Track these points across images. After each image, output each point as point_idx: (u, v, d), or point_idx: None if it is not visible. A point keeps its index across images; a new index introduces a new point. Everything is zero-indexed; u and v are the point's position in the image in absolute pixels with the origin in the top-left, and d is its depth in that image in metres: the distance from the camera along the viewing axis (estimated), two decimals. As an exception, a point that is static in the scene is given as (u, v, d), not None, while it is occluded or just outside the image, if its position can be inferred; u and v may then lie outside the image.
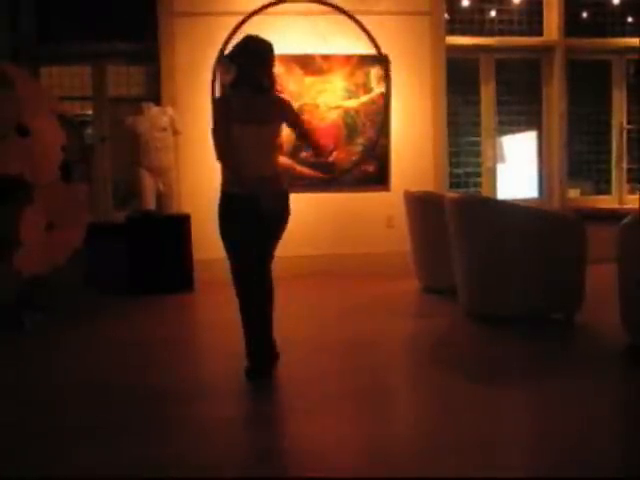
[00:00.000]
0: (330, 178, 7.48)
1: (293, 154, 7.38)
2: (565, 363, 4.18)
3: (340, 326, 5.25)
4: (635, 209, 7.34)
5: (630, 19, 8.34)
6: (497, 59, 8.20)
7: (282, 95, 4.19)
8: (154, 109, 6.87)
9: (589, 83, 8.61)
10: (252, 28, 7.06)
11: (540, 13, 8.17)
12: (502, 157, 8.50)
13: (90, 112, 7.77)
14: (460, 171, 8.25)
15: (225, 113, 3.86)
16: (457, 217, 5.26)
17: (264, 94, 3.96)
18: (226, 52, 4.08)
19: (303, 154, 7.38)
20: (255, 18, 7.17)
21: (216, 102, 4.06)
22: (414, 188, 6.81)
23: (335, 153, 7.49)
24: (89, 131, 7.84)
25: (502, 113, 8.33)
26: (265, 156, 3.92)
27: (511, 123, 8.51)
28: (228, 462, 2.86)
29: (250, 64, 3.91)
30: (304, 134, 4.26)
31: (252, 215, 3.78)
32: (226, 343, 4.77)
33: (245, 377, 3.86)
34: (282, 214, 3.94)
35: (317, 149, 4.58)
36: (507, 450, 2.98)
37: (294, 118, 4.14)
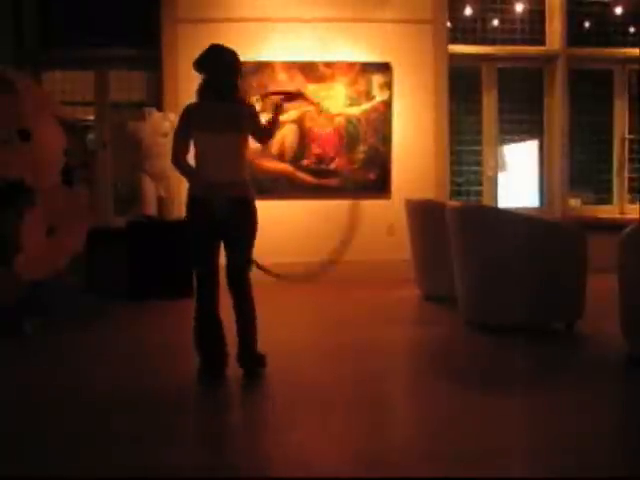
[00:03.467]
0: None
1: (294, 161, 7.40)
2: (565, 372, 4.17)
3: (340, 333, 5.24)
4: (636, 219, 7.34)
5: (632, 29, 8.35)
6: (499, 68, 8.22)
7: (248, 104, 4.32)
8: (156, 115, 6.88)
9: (591, 93, 8.62)
10: (255, 35, 7.09)
11: (542, 22, 8.20)
12: (503, 166, 8.51)
13: (92, 117, 7.78)
14: (461, 180, 8.26)
15: (186, 121, 4.01)
16: (458, 225, 5.25)
17: (229, 103, 4.04)
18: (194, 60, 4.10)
19: (305, 161, 7.40)
20: (259, 25, 7.19)
21: (182, 110, 4.13)
22: (415, 196, 6.81)
23: (337, 160, 7.49)
24: (91, 136, 7.84)
25: (503, 122, 8.33)
26: (225, 163, 3.99)
27: (512, 132, 8.52)
28: (227, 468, 2.85)
29: (216, 74, 4.02)
30: (262, 133, 4.27)
31: (208, 218, 3.93)
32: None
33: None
34: (239, 221, 3.99)
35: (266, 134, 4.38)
36: (506, 458, 2.97)
37: (257, 126, 4.19)
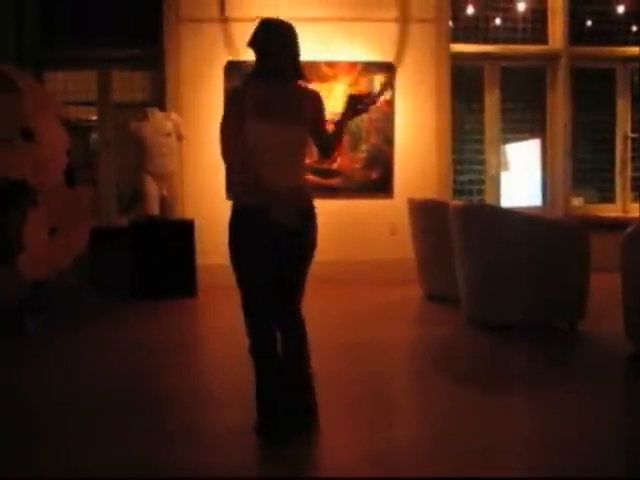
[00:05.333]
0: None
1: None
2: (568, 371, 4.17)
3: (343, 333, 5.24)
4: (639, 218, 7.33)
5: (634, 28, 8.33)
6: (502, 67, 8.20)
7: (312, 88, 3.53)
8: (158, 114, 6.89)
9: (593, 91, 8.61)
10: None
11: (545, 21, 8.18)
12: (506, 165, 8.50)
13: (95, 117, 7.79)
14: (464, 179, 8.25)
15: (237, 106, 3.12)
16: (460, 225, 5.25)
17: (288, 85, 3.29)
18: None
19: (307, 160, 7.38)
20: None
21: (228, 93, 3.25)
22: (417, 196, 6.81)
23: (339, 160, 7.49)
24: (93, 136, 7.85)
25: (506, 121, 8.32)
26: (288, 162, 3.23)
27: (515, 131, 8.51)
28: (230, 466, 2.86)
29: (269, 48, 3.22)
30: (325, 143, 3.46)
31: (267, 234, 3.11)
32: (228, 349, 4.77)
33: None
34: (302, 234, 3.21)
35: (329, 155, 3.61)
36: (508, 457, 2.97)
37: (321, 120, 3.41)
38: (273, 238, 3.11)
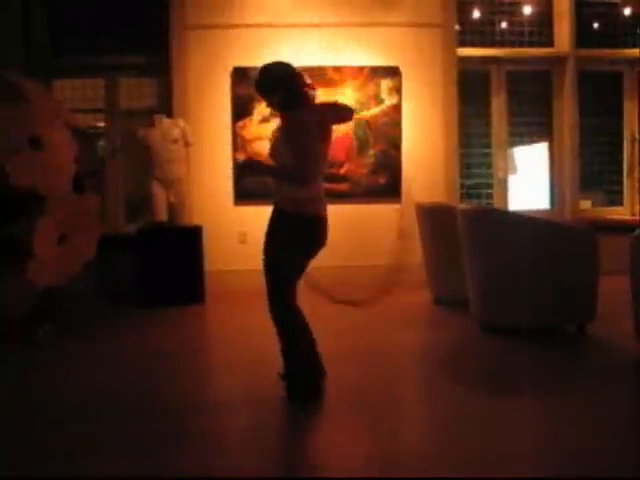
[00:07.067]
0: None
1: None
2: (577, 375, 4.15)
3: (352, 337, 5.24)
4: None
5: (641, 30, 8.34)
6: (508, 70, 8.21)
7: (316, 102, 3.89)
8: (166, 121, 6.90)
9: (600, 94, 8.60)
10: (263, 41, 7.10)
11: (551, 24, 8.18)
12: (513, 168, 8.49)
13: (102, 124, 7.82)
14: (471, 182, 8.25)
15: (315, 131, 3.71)
16: (469, 229, 5.25)
17: (313, 106, 3.80)
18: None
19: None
20: (267, 31, 7.21)
21: (304, 120, 3.69)
22: (425, 200, 6.80)
23: (346, 165, 7.49)
24: (101, 143, 7.88)
25: (513, 124, 8.32)
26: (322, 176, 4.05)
27: (522, 134, 8.50)
28: (242, 472, 2.86)
29: (265, 97, 3.85)
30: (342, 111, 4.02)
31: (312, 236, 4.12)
32: (236, 355, 4.78)
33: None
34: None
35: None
36: (517, 462, 2.96)
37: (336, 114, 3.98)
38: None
